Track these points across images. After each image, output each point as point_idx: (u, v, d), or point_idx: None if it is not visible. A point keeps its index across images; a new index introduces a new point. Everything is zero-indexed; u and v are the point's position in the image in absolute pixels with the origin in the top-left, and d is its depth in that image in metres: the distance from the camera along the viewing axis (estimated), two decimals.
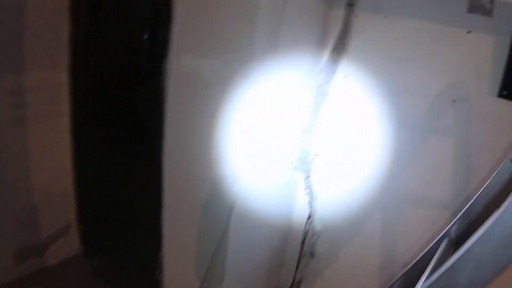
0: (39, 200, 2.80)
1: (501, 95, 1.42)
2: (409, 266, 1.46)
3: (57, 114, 2.55)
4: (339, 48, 1.72)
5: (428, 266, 1.21)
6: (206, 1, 1.49)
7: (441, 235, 1.40)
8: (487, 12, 1.44)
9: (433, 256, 1.29)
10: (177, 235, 1.79)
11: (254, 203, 1.62)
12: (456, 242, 1.38)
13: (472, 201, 1.36)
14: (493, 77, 1.44)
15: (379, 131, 1.70)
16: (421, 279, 1.14)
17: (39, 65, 2.33)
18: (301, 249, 2.08)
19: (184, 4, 1.46)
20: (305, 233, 2.03)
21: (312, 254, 2.09)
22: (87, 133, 2.65)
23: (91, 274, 3.07)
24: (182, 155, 1.63)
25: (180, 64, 1.55)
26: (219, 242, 1.59)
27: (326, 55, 1.75)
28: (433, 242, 1.41)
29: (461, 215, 1.39)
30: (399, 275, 1.50)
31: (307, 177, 1.89)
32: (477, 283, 1.00)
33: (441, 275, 1.06)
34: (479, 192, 1.35)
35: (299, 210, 2.01)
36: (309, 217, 1.99)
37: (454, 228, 1.39)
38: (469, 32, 1.49)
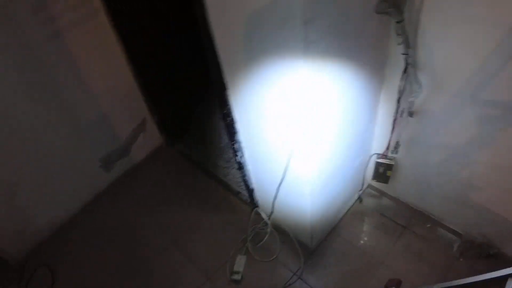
0: (108, 104, 3.07)
1: None
2: None
3: (93, 13, 2.63)
4: None
5: None
6: None
7: None
8: None
9: None
10: None
11: None
12: None
13: None
14: None
15: None
16: None
17: None
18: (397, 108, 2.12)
19: None
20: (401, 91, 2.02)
21: (410, 114, 2.12)
22: (129, 24, 2.77)
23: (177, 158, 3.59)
24: None
25: None
26: None
27: None
28: None
29: None
30: None
31: (400, 21, 1.74)
32: None
33: None
34: None
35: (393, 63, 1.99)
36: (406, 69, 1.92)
37: None
38: None
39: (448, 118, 2.02)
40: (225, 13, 1.50)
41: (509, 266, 1.39)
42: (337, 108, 1.86)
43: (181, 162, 3.67)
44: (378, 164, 2.55)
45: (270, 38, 1.43)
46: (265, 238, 2.79)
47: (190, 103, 3.90)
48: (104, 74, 2.85)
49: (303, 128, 1.71)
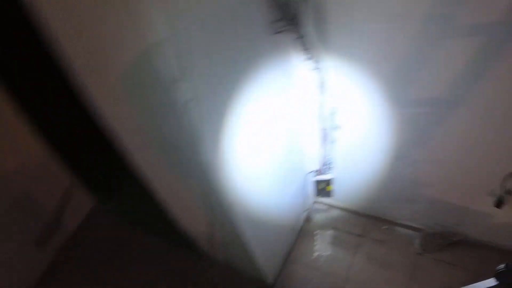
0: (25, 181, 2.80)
1: None
2: None
3: None
4: None
5: None
6: None
7: None
8: None
9: None
10: None
11: None
12: None
13: None
14: None
15: None
16: None
17: None
18: None
19: None
20: None
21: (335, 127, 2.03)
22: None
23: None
24: None
25: None
26: None
27: None
28: None
29: None
30: None
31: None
32: None
33: None
34: None
35: None
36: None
37: None
38: None
39: (376, 124, 1.91)
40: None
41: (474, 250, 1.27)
42: (256, 152, 1.68)
43: (117, 222, 3.28)
44: (316, 182, 2.38)
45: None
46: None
47: (114, 156, 3.50)
48: (8, 152, 2.59)
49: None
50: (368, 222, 2.63)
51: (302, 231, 2.70)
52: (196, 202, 1.87)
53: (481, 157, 1.78)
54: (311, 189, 2.52)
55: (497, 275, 1.27)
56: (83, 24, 1.10)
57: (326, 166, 2.30)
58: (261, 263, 2.18)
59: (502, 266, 1.25)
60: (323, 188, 2.40)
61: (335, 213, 2.75)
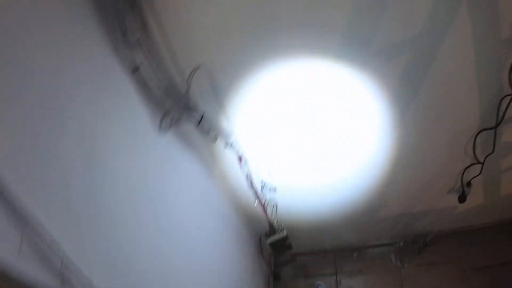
0: None
1: None
2: None
3: None
4: None
5: None
6: None
7: None
8: None
9: None
10: None
11: None
12: None
13: None
14: None
15: None
16: None
17: None
18: None
19: None
20: None
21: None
22: None
23: None
24: None
25: None
26: None
27: None
28: None
29: None
30: None
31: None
32: None
33: None
34: None
35: None
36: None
37: None
38: None
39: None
40: None
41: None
42: None
43: None
44: (272, 244, 2.06)
45: None
46: None
47: None
48: None
49: None
50: (338, 255, 2.40)
51: None
52: None
53: (433, 166, 1.66)
54: (268, 251, 2.23)
55: None
56: None
57: (276, 225, 1.99)
58: None
59: None
60: (281, 244, 2.10)
61: (301, 260, 2.47)
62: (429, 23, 1.12)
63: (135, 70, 1.04)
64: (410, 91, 1.36)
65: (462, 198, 1.77)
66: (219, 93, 1.30)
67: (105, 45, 0.97)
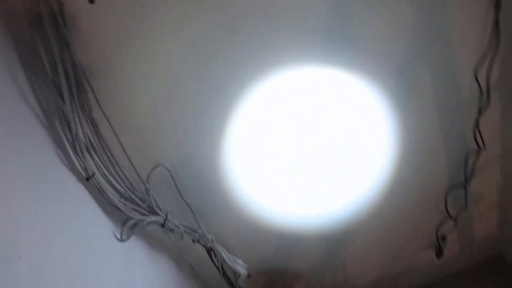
0: None
1: None
2: None
3: None
4: None
5: None
6: None
7: None
8: None
9: None
10: None
11: None
12: None
13: None
14: None
15: None
16: None
17: None
18: None
19: None
20: None
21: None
22: None
23: None
24: None
25: None
26: None
27: None
28: None
29: None
30: None
31: None
32: None
33: None
34: None
35: None
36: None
37: None
38: None
39: None
40: None
41: None
42: None
43: None
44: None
45: None
46: None
47: None
48: None
49: None
50: None
51: None
52: None
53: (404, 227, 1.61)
54: None
55: None
56: None
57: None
58: None
59: None
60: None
61: None
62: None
63: (88, 178, 0.88)
64: None
65: (438, 253, 1.73)
66: (180, 190, 1.16)
67: (55, 156, 0.85)
